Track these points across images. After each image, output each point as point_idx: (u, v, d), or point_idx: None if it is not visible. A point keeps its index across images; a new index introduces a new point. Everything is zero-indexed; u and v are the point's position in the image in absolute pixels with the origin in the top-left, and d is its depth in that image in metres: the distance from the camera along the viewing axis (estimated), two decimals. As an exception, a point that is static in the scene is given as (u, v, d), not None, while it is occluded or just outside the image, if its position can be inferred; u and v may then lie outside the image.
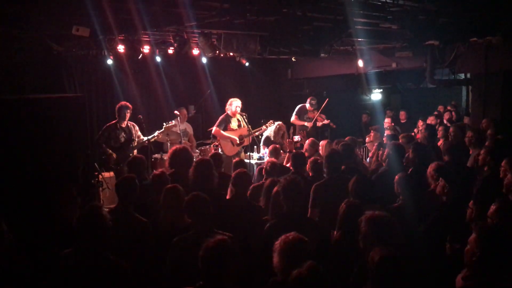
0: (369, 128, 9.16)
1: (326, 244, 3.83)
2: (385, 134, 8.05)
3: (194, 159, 5.76)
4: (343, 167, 5.25)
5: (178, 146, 5.70)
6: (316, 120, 9.93)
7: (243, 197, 4.60)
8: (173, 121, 7.96)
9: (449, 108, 11.40)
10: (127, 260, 3.44)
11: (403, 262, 2.79)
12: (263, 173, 5.57)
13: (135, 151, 7.49)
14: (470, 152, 6.23)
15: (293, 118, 10.11)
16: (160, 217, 4.23)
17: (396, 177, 4.43)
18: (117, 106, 7.48)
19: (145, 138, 7.56)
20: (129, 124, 7.50)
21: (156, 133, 7.64)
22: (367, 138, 8.11)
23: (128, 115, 7.41)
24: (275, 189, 4.30)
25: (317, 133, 9.91)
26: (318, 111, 9.95)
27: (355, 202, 3.89)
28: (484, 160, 5.18)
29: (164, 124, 7.78)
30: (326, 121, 9.95)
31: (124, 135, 7.39)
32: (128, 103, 7.46)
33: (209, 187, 4.65)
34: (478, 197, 4.08)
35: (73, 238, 3.39)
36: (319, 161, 5.55)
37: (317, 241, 3.68)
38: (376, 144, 7.42)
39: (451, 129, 7.46)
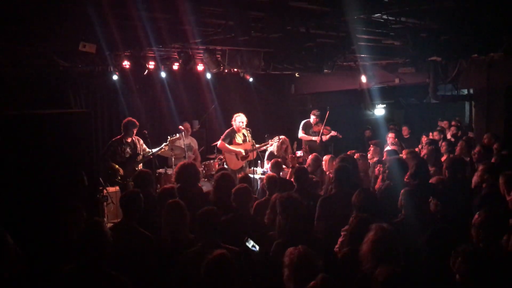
0: (369, 143, 9.19)
1: (332, 260, 3.83)
2: (385, 149, 8.06)
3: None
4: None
5: (185, 161, 5.75)
6: (322, 134, 9.94)
7: (243, 212, 4.61)
8: (177, 134, 8.02)
9: (453, 123, 11.41)
10: (130, 275, 3.46)
11: (408, 280, 2.81)
12: (264, 188, 5.60)
13: (141, 165, 7.53)
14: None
15: (300, 134, 10.14)
16: (162, 231, 4.25)
17: (402, 191, 4.44)
18: (124, 121, 7.52)
19: (151, 151, 7.60)
20: (134, 138, 7.55)
21: (162, 146, 7.71)
22: (368, 154, 8.14)
23: (134, 133, 7.47)
24: None
25: (321, 148, 9.91)
26: (322, 124, 9.97)
27: (364, 216, 3.90)
28: (482, 178, 5.19)
29: (169, 137, 7.83)
30: (333, 133, 9.94)
31: (129, 150, 7.44)
32: (135, 121, 7.49)
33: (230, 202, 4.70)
34: None
35: (76, 253, 3.41)
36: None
37: (322, 258, 3.69)
38: (375, 159, 7.43)
39: (459, 143, 7.47)
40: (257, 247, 3.93)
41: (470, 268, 2.74)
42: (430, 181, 5.01)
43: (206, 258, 3.04)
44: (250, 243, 3.96)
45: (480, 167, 5.39)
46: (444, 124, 11.64)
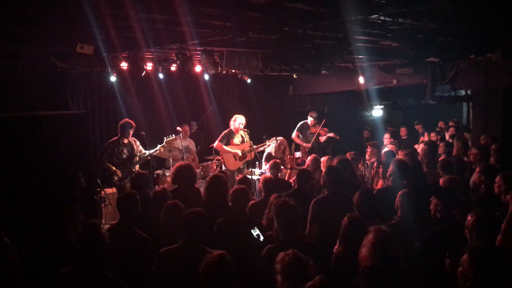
0: (366, 144, 9.23)
1: (326, 264, 3.82)
2: (382, 150, 8.08)
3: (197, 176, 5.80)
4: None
5: (182, 162, 5.73)
6: (319, 135, 9.94)
7: (241, 213, 4.61)
8: (174, 135, 8.01)
9: (451, 124, 11.47)
10: (128, 277, 3.45)
11: (388, 273, 2.80)
12: (260, 189, 5.62)
13: (137, 166, 7.52)
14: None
15: (293, 135, 10.16)
16: (161, 233, 4.25)
17: (400, 192, 4.45)
18: (121, 122, 7.50)
19: (147, 152, 7.59)
20: (130, 139, 7.54)
21: (158, 147, 7.69)
22: (366, 155, 8.16)
23: (131, 134, 7.45)
24: None
25: (319, 149, 9.93)
26: (320, 126, 9.97)
27: (357, 216, 3.91)
28: (480, 179, 5.20)
29: (165, 138, 7.82)
30: (330, 134, 9.96)
31: (126, 151, 7.43)
32: (132, 122, 7.48)
33: (223, 203, 4.68)
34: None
35: (74, 255, 3.40)
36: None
37: (316, 262, 3.68)
38: (373, 159, 7.44)
39: (455, 144, 7.50)
40: (262, 237, 4.08)
41: (477, 267, 2.69)
42: (441, 181, 4.99)
43: (204, 260, 3.03)
44: (256, 231, 4.12)
45: (478, 169, 5.40)
46: (441, 124, 11.71)
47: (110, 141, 7.48)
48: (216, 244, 3.73)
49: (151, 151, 7.61)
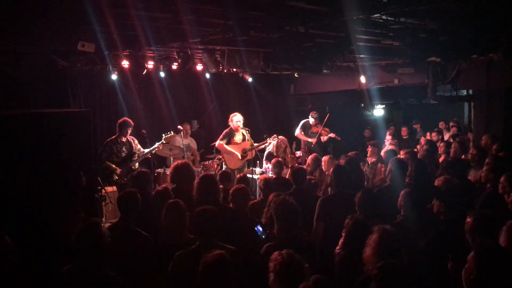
0: (367, 143, 9.22)
1: (328, 263, 3.82)
2: (382, 150, 8.07)
3: (197, 174, 5.80)
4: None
5: (179, 161, 5.73)
6: (320, 135, 9.95)
7: (242, 212, 4.61)
8: (172, 132, 7.99)
9: (451, 124, 11.46)
10: (128, 275, 3.45)
11: (404, 270, 2.81)
12: (259, 190, 5.64)
13: (136, 164, 7.52)
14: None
15: (297, 132, 10.16)
16: (161, 232, 4.24)
17: (402, 192, 4.44)
18: (119, 121, 7.48)
19: (146, 150, 7.59)
20: (129, 138, 7.52)
21: (156, 145, 7.68)
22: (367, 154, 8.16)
23: (129, 132, 7.44)
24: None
25: (320, 148, 9.93)
26: (321, 125, 9.97)
27: (360, 217, 3.91)
28: (487, 177, 5.17)
29: (163, 135, 7.81)
30: (331, 134, 9.97)
31: (125, 150, 7.42)
32: (130, 121, 7.45)
33: (214, 202, 4.66)
34: None
35: (74, 254, 3.40)
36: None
37: (317, 264, 3.68)
38: (373, 159, 7.44)
39: (453, 145, 7.49)
40: (265, 234, 4.11)
41: (481, 265, 2.67)
42: (436, 181, 4.99)
43: (204, 257, 3.03)
44: (260, 229, 4.16)
45: (485, 167, 5.37)
46: (441, 124, 11.71)
47: (108, 140, 7.46)
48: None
49: (150, 149, 7.60)
